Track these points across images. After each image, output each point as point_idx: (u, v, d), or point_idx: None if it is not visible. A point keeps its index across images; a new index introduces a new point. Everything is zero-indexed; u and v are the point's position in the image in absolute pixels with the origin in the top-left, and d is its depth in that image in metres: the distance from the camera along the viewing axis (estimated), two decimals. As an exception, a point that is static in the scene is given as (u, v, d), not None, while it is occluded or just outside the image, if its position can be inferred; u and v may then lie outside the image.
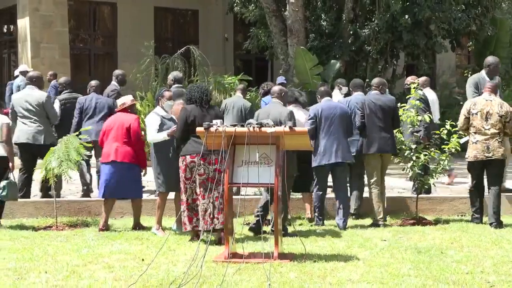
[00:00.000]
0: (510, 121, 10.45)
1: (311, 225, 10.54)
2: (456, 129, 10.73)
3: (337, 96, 12.95)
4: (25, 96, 12.25)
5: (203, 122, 8.71)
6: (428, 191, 11.92)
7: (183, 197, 9.45)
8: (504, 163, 10.77)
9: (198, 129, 8.53)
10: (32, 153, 11.94)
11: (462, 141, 10.88)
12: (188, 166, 9.28)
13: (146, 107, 16.67)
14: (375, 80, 11.34)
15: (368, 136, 10.73)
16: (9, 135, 10.80)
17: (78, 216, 11.22)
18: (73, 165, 10.34)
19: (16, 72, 19.62)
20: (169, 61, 20.92)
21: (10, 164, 10.70)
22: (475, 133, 10.48)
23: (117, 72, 14.23)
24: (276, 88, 10.46)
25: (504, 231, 9.99)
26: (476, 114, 10.46)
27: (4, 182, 10.43)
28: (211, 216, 9.09)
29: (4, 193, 10.41)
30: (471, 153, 10.51)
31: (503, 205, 10.94)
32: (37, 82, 12.46)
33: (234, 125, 8.47)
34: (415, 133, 10.84)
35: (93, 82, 13.39)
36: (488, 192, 10.70)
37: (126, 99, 10.71)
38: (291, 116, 9.78)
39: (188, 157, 9.29)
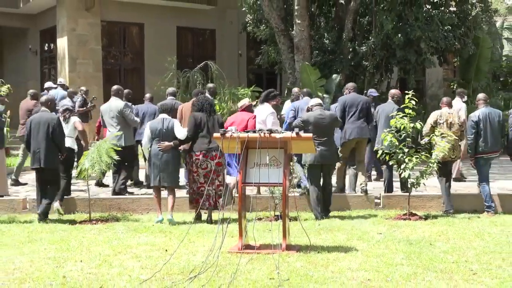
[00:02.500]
0: (464, 130, 11.68)
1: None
2: (444, 135, 10.88)
3: (459, 103, 13.84)
4: (109, 106, 12.71)
5: (207, 124, 10.37)
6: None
7: (190, 185, 10.55)
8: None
9: (215, 135, 8.57)
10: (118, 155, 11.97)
11: (422, 142, 11.29)
12: (194, 162, 10.35)
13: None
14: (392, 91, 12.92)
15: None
16: (81, 126, 11.93)
17: (109, 212, 11.25)
18: (105, 166, 10.36)
19: (49, 84, 19.59)
20: (190, 74, 20.98)
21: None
22: (442, 139, 11.07)
23: (209, 85, 14.62)
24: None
25: (486, 225, 9.95)
26: (443, 123, 11.39)
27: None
28: (214, 199, 10.30)
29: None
30: (439, 155, 10.92)
31: (505, 202, 11.50)
32: (119, 93, 12.92)
33: (247, 131, 8.49)
34: (408, 139, 10.80)
35: (148, 95, 14.46)
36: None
37: (245, 101, 11.92)
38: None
39: (193, 154, 10.37)
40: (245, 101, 11.97)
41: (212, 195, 10.30)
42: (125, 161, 12.09)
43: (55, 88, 18.92)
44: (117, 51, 26.88)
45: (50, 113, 11.04)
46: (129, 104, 13.25)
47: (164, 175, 10.50)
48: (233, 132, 8.33)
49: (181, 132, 10.59)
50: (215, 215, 10.24)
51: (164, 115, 10.80)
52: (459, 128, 11.47)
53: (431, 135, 11.14)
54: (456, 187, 13.24)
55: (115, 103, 12.67)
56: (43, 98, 11.54)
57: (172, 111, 11.18)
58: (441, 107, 11.74)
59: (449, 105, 11.77)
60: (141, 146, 12.61)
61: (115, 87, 13.16)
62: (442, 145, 10.89)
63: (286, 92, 21.49)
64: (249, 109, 11.79)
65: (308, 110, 11.21)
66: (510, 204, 11.39)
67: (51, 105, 11.26)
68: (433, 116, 11.54)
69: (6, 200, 11.62)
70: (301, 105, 12.67)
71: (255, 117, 11.64)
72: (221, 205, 9.93)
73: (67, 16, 23.71)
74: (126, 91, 13.77)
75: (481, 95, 11.81)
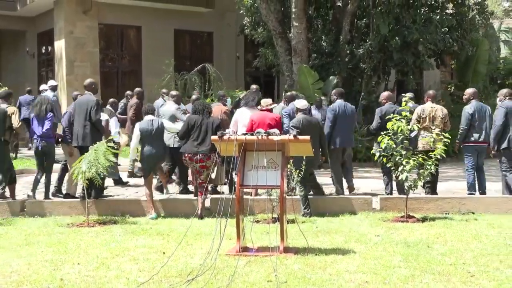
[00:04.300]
0: (447, 121, 12.38)
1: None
2: (441, 137, 10.93)
3: None
4: (165, 109, 13.56)
5: (201, 128, 11.05)
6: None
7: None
8: None
9: (213, 137, 8.56)
10: (171, 154, 12.79)
11: (412, 134, 11.40)
12: (184, 160, 11.26)
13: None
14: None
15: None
16: (107, 127, 12.72)
17: (107, 214, 11.24)
18: (102, 168, 10.35)
19: (43, 87, 19.55)
20: (187, 77, 21.01)
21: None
22: (424, 131, 12.11)
23: (253, 86, 15.30)
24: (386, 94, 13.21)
25: (483, 227, 9.95)
26: (425, 117, 12.26)
27: None
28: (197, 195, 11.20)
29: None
30: (420, 145, 12.02)
31: (502, 204, 11.46)
32: (176, 99, 13.86)
33: (245, 134, 8.49)
34: (405, 141, 10.80)
35: (194, 96, 15.15)
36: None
37: (268, 102, 12.11)
38: None
39: (183, 155, 11.24)
40: (269, 101, 12.23)
41: (195, 192, 11.46)
42: (176, 160, 12.72)
43: (42, 91, 18.87)
44: (115, 54, 26.91)
45: (91, 96, 11.95)
46: (182, 108, 13.86)
47: (156, 168, 11.71)
48: (230, 135, 8.33)
49: (175, 125, 12.13)
50: (212, 219, 10.29)
51: (151, 116, 11.68)
52: (441, 121, 12.25)
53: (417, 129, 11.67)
54: (454, 189, 13.26)
55: (169, 107, 13.54)
56: (86, 82, 12.34)
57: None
58: (426, 100, 12.60)
59: (434, 99, 12.61)
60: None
61: (174, 92, 14.29)
62: (424, 136, 11.96)
63: (283, 94, 21.50)
64: (270, 109, 12.18)
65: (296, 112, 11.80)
66: (508, 206, 11.39)
67: (94, 88, 12.27)
68: (416, 111, 12.30)
69: (4, 203, 11.61)
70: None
71: (278, 117, 12.21)
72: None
73: (64, 19, 23.73)
74: (173, 92, 14.67)
75: (471, 90, 12.88)
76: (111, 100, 14.87)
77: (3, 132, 11.86)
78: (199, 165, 10.96)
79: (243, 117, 12.34)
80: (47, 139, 12.11)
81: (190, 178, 12.57)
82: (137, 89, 16.33)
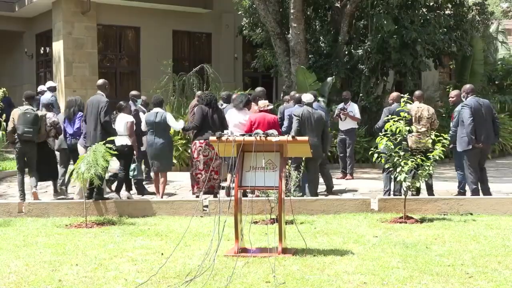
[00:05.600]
0: (434, 120, 12.72)
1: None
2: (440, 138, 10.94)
3: None
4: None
5: (212, 117, 12.08)
6: (418, 192, 12.18)
7: (191, 171, 12.39)
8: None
9: (211, 138, 8.56)
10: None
11: None
12: (197, 149, 12.00)
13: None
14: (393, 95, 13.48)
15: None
16: (132, 129, 12.65)
17: (105, 216, 11.23)
18: (100, 169, 10.35)
19: (42, 87, 19.49)
20: (186, 78, 20.99)
21: (135, 152, 12.76)
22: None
23: (258, 89, 15.27)
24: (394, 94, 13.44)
25: (482, 228, 9.95)
26: (411, 117, 12.38)
27: (133, 165, 12.58)
28: (208, 183, 12.06)
29: (135, 173, 12.64)
30: (409, 143, 12.12)
31: (501, 205, 11.39)
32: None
33: (243, 135, 8.49)
34: (403, 142, 10.81)
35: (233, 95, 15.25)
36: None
37: (265, 103, 12.58)
38: None
39: (197, 142, 12.04)
40: (266, 102, 12.65)
41: (206, 180, 12.08)
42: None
43: (39, 92, 18.81)
44: (113, 55, 26.89)
45: (102, 96, 11.97)
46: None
47: (158, 162, 12.48)
48: (229, 136, 8.33)
49: (177, 124, 12.71)
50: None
51: (158, 109, 12.37)
52: (427, 121, 12.59)
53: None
54: (453, 190, 13.26)
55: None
56: (100, 82, 12.44)
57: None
58: (414, 100, 12.76)
59: (421, 99, 12.98)
60: None
61: (198, 92, 15.00)
62: (410, 135, 12.16)
63: (282, 95, 21.51)
64: (269, 110, 12.72)
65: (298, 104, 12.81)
66: (506, 207, 11.40)
67: (107, 88, 12.31)
68: None
69: (2, 204, 11.61)
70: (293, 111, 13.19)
71: (276, 118, 12.75)
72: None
73: (63, 20, 23.72)
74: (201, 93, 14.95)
75: (457, 91, 13.36)
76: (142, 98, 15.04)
77: (37, 135, 12.42)
78: (214, 151, 11.53)
79: (233, 118, 12.73)
80: (78, 138, 12.79)
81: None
82: (199, 92, 16.38)
